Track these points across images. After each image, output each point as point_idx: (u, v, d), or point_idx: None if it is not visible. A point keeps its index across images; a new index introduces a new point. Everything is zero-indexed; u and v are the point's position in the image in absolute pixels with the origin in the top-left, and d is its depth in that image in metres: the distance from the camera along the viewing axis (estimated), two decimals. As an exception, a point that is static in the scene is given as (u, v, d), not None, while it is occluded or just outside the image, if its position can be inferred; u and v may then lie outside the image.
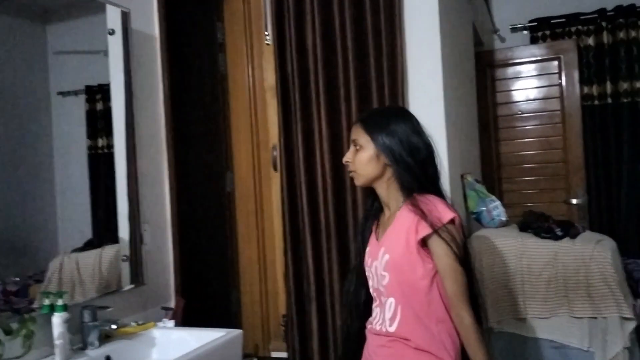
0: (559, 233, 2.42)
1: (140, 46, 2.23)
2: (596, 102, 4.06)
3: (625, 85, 3.99)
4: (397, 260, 1.53)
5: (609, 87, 4.03)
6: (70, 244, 1.95)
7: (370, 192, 1.70)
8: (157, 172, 2.31)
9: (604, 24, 4.01)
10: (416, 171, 1.54)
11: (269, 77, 2.62)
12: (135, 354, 1.82)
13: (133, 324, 1.92)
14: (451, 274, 1.48)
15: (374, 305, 1.65)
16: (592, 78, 4.04)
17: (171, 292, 2.31)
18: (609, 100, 4.04)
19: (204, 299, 2.46)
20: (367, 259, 1.66)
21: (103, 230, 2.15)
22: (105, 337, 1.80)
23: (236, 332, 1.85)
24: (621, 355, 2.26)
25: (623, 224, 4.04)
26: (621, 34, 3.98)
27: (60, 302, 1.65)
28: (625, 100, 4.00)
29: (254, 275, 2.66)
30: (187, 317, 2.22)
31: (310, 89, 2.30)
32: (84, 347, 1.74)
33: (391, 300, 1.55)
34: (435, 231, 1.47)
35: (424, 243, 1.50)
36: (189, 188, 2.49)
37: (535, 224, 2.52)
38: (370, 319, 1.66)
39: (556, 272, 2.33)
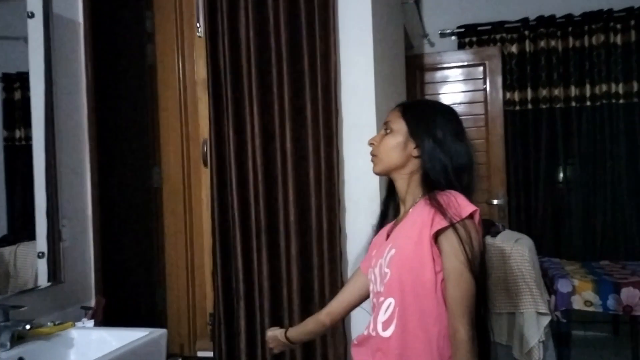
0: (481, 232, 2.52)
1: (62, 32, 2.12)
2: (517, 108, 4.26)
3: (544, 92, 4.22)
4: (404, 255, 1.36)
5: (529, 93, 4.23)
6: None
7: (387, 190, 1.56)
8: (79, 166, 2.21)
9: (526, 32, 4.21)
10: (449, 173, 1.38)
11: (200, 70, 2.56)
12: (50, 355, 1.73)
13: (49, 324, 1.82)
14: (455, 277, 1.29)
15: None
16: (514, 84, 4.24)
17: (91, 291, 2.22)
18: (529, 106, 4.25)
19: (127, 297, 2.37)
20: (372, 261, 1.49)
21: (19, 226, 2.05)
22: (19, 338, 1.70)
23: (160, 332, 1.79)
24: (536, 348, 2.38)
25: (539, 224, 4.27)
26: (542, 43, 4.19)
27: (-32, 301, 1.55)
28: (544, 107, 4.23)
29: (181, 273, 2.59)
30: (109, 317, 2.14)
31: (243, 83, 2.27)
32: (-6, 349, 1.64)
33: (390, 300, 1.38)
34: (452, 225, 1.28)
35: (437, 239, 1.32)
36: (113, 183, 2.39)
37: (459, 223, 2.60)
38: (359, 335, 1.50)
39: (478, 269, 2.42)
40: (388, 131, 1.47)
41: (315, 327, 1.69)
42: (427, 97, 4.19)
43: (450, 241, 1.30)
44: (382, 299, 1.40)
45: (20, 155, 2.03)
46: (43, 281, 1.98)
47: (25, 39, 2.00)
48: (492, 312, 2.46)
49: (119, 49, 2.47)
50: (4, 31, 1.98)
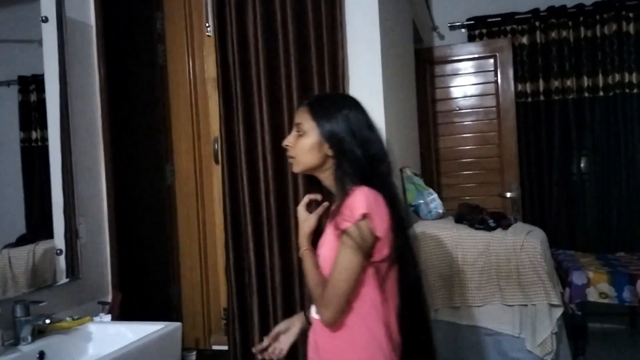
0: (492, 224, 2.52)
1: (75, 35, 2.17)
2: (529, 99, 4.24)
3: (556, 83, 4.19)
4: (326, 255, 1.47)
5: (541, 84, 4.21)
6: (2, 239, 1.89)
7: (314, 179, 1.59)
8: (94, 165, 2.26)
9: (537, 23, 4.19)
10: (363, 165, 1.43)
11: (210, 68, 2.60)
12: (70, 349, 1.78)
13: (68, 318, 1.87)
14: (336, 273, 1.40)
15: None
16: (526, 76, 4.22)
17: (108, 286, 2.27)
18: (542, 97, 4.23)
19: (142, 293, 2.42)
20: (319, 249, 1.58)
21: (37, 225, 2.09)
22: (39, 333, 1.75)
23: (175, 325, 1.83)
24: (549, 340, 2.38)
25: (554, 217, 4.25)
26: (553, 34, 4.17)
27: (-11, 297, 1.60)
28: (556, 98, 4.20)
29: (195, 268, 2.64)
30: (125, 312, 2.19)
31: (252, 80, 2.30)
32: (16, 342, 1.68)
33: None
34: (346, 230, 1.38)
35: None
36: (127, 181, 2.44)
37: (469, 215, 2.61)
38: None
39: (489, 261, 2.43)
40: (300, 132, 1.50)
41: None
42: (437, 90, 4.19)
43: (342, 242, 1.38)
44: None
45: (36, 156, 2.06)
46: (61, 277, 2.03)
47: (39, 42, 2.04)
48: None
49: (130, 50, 2.51)
50: (18, 35, 2.03)
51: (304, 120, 1.50)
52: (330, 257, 1.44)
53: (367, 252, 1.38)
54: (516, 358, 2.40)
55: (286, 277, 2.27)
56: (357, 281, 1.40)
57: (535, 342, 2.38)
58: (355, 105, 1.52)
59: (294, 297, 2.27)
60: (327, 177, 1.52)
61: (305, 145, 1.49)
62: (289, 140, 1.54)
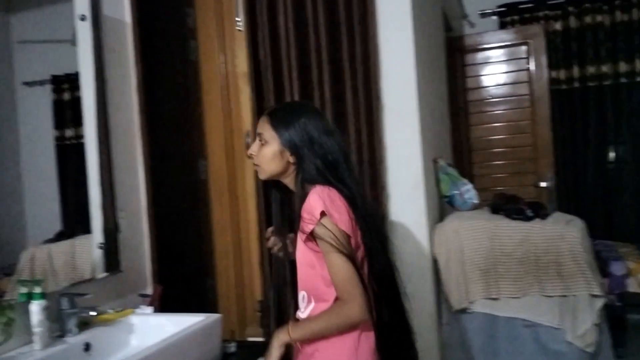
0: (530, 214, 2.48)
1: (111, 33, 2.20)
2: (564, 87, 4.14)
3: (591, 70, 4.08)
4: (299, 256, 1.54)
5: (576, 71, 4.11)
6: (40, 235, 1.94)
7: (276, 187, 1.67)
8: (132, 161, 2.30)
9: (570, 8, 4.09)
10: (322, 169, 1.50)
11: (242, 63, 2.61)
12: (114, 340, 1.82)
13: (111, 311, 1.91)
14: (332, 268, 1.45)
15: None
16: (560, 62, 4.12)
17: (148, 279, 2.30)
18: (576, 84, 4.12)
19: (179, 286, 2.45)
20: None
21: (74, 221, 2.13)
22: (84, 325, 1.79)
23: (215, 317, 1.85)
24: (590, 331, 2.33)
25: (590, 206, 4.14)
26: (587, 19, 4.06)
27: (37, 289, 1.64)
28: (591, 84, 4.10)
29: (229, 261, 2.66)
30: (164, 304, 2.22)
31: (283, 74, 2.30)
32: (62, 334, 1.73)
33: (303, 293, 1.57)
34: (312, 231, 1.44)
35: (313, 238, 1.48)
36: (163, 176, 2.47)
37: (506, 205, 2.57)
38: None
39: (527, 252, 2.39)
40: (263, 142, 1.58)
41: None
42: (468, 79, 4.13)
43: (323, 250, 1.44)
44: (299, 289, 1.59)
45: (71, 153, 2.10)
46: (101, 271, 2.07)
47: (72, 42, 2.07)
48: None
49: (162, 46, 2.53)
50: (52, 35, 2.05)
51: (265, 130, 1.58)
52: (301, 261, 1.53)
53: (345, 244, 1.43)
54: (556, 349, 2.37)
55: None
56: (357, 267, 1.44)
57: (575, 333, 2.34)
58: (312, 113, 1.60)
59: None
60: (291, 182, 1.59)
61: (267, 153, 1.56)
62: (252, 150, 1.61)
